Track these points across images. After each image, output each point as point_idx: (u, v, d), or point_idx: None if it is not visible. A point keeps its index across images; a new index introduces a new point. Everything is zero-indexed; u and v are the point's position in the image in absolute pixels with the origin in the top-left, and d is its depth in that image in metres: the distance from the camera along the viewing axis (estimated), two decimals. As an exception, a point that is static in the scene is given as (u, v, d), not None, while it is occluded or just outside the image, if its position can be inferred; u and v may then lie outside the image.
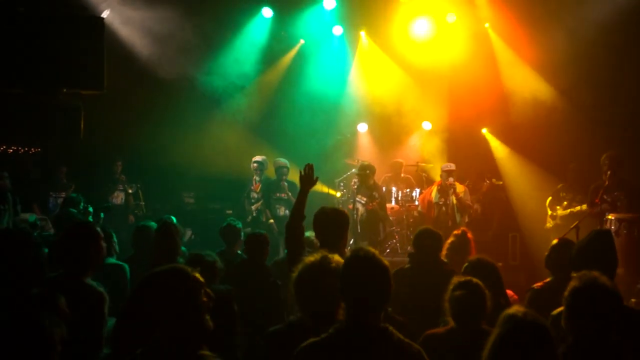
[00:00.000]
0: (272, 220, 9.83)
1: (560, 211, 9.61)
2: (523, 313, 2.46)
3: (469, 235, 5.45)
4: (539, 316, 2.49)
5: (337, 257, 3.05)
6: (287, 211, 9.79)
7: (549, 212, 9.81)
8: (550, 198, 9.79)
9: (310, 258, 3.09)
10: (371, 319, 2.59)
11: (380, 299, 2.62)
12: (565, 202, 9.63)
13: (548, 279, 4.68)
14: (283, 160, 10.10)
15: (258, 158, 10.14)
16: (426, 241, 5.09)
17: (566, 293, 2.95)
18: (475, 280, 3.49)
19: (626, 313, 3.40)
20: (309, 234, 5.26)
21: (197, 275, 2.62)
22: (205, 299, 2.58)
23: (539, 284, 4.72)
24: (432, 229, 5.26)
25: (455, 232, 5.52)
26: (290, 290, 3.09)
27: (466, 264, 4.15)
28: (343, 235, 4.34)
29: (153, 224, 5.91)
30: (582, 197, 9.51)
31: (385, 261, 2.69)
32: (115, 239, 5.44)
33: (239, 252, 6.17)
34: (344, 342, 2.56)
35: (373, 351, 2.53)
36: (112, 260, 5.21)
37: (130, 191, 10.55)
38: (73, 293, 3.53)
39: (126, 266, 5.12)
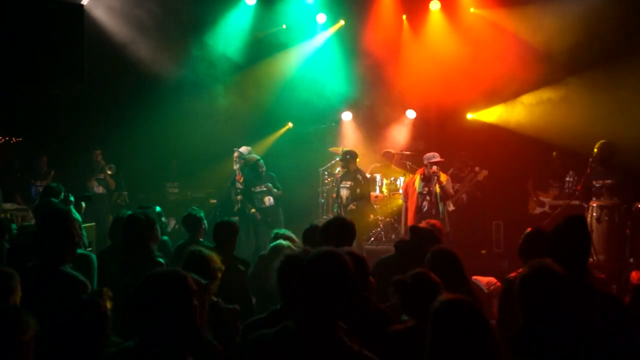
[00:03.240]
0: (253, 210, 9.76)
1: (548, 199, 9.74)
2: (447, 300, 2.51)
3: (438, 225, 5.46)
4: (466, 299, 2.53)
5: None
6: (271, 200, 9.77)
7: (534, 197, 9.92)
8: (530, 181, 9.93)
9: (289, 250, 3.14)
10: (321, 321, 2.50)
11: (329, 301, 2.52)
12: (555, 192, 9.75)
13: (522, 269, 4.71)
14: (254, 155, 10.07)
15: (240, 149, 10.09)
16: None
17: (517, 279, 3.03)
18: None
19: (603, 298, 3.44)
20: (286, 243, 5.27)
21: (191, 280, 2.62)
22: (196, 303, 2.58)
23: (513, 274, 4.74)
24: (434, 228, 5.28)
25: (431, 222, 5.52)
26: (273, 281, 3.14)
27: (428, 255, 4.11)
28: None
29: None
30: (571, 185, 9.62)
31: (346, 261, 2.59)
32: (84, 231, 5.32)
33: (201, 239, 6.09)
34: (292, 341, 2.51)
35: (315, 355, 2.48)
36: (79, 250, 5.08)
37: (109, 172, 10.42)
38: (51, 282, 3.49)
39: (93, 255, 5.01)
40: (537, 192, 9.98)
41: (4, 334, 2.43)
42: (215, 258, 3.94)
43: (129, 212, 5.73)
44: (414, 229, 5.26)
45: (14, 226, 6.04)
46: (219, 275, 3.90)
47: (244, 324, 3.22)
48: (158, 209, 6.78)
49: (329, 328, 2.50)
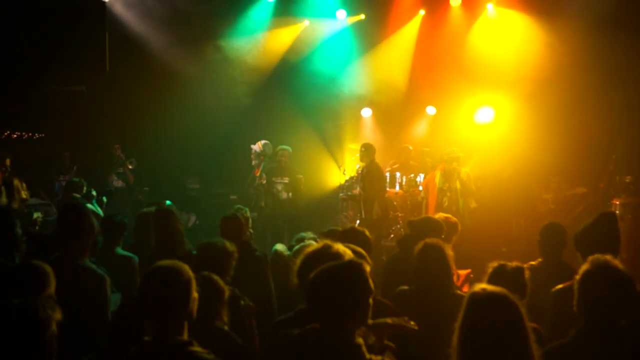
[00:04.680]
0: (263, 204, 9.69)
1: (550, 195, 9.78)
2: (483, 290, 2.43)
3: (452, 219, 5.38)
4: (499, 289, 2.44)
5: (338, 245, 3.05)
6: (289, 194, 9.71)
7: (538, 196, 9.99)
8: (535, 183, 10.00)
9: (312, 247, 3.10)
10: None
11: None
12: (553, 185, 9.77)
13: (535, 262, 4.69)
14: (284, 146, 10.02)
15: (253, 146, 10.07)
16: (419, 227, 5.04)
17: (578, 276, 2.90)
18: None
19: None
20: (280, 247, 5.25)
21: (189, 271, 2.66)
22: (196, 294, 2.64)
23: (526, 265, 4.74)
24: (429, 217, 5.23)
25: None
26: (293, 280, 3.07)
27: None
28: None
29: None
30: (569, 179, 9.65)
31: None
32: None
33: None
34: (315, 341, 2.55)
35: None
36: (121, 251, 5.11)
37: (130, 166, 10.48)
38: (69, 276, 3.50)
39: (136, 258, 5.01)
40: (540, 191, 10.04)
41: (24, 329, 2.46)
42: (228, 246, 3.98)
43: (154, 209, 5.75)
44: (410, 223, 5.23)
45: (36, 214, 6.10)
46: (233, 263, 3.94)
47: (272, 323, 3.18)
48: (169, 202, 6.79)
49: (349, 333, 2.52)
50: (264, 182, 9.67)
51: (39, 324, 2.48)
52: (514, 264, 3.55)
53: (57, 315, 2.58)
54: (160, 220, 5.00)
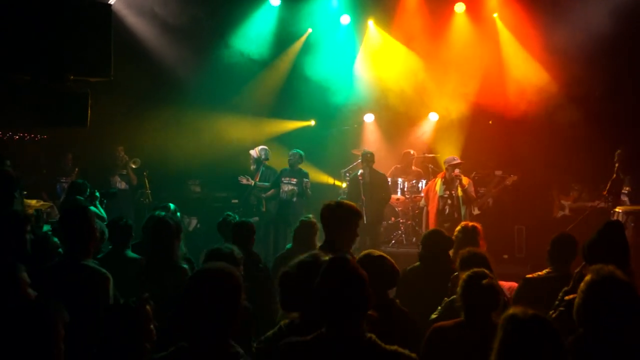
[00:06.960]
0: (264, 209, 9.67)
1: (568, 202, 9.72)
2: (523, 312, 2.44)
3: (479, 227, 5.36)
4: (539, 312, 2.47)
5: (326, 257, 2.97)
6: (294, 198, 9.64)
7: (556, 202, 9.91)
8: (555, 186, 9.90)
9: (301, 257, 3.08)
10: (348, 327, 2.50)
11: (356, 308, 2.52)
12: (575, 194, 9.71)
13: (544, 271, 4.68)
14: (296, 150, 9.98)
15: (252, 151, 10.09)
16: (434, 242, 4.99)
17: (582, 286, 2.91)
18: (488, 273, 3.40)
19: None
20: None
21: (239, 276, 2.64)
22: (243, 300, 2.63)
23: (533, 275, 4.73)
24: (440, 231, 5.20)
25: (463, 225, 5.42)
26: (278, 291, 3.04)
27: (459, 259, 4.09)
28: (351, 232, 4.12)
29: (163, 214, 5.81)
30: (591, 189, 9.59)
31: (361, 270, 2.60)
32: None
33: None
34: (325, 350, 2.51)
35: None
36: (131, 253, 5.13)
37: (134, 166, 10.47)
38: (73, 276, 3.63)
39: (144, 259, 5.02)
40: (559, 196, 9.98)
41: (31, 332, 2.46)
42: (235, 253, 4.02)
43: (163, 214, 5.75)
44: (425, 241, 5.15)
45: (47, 227, 6.09)
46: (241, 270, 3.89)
47: (257, 342, 3.11)
48: (172, 206, 6.78)
49: (359, 332, 2.52)
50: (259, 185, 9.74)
51: (46, 326, 2.48)
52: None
53: (65, 316, 2.58)
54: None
